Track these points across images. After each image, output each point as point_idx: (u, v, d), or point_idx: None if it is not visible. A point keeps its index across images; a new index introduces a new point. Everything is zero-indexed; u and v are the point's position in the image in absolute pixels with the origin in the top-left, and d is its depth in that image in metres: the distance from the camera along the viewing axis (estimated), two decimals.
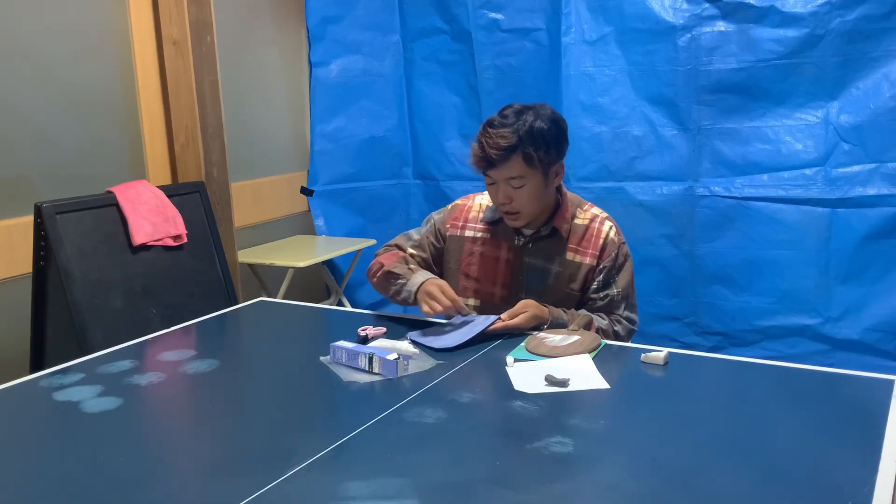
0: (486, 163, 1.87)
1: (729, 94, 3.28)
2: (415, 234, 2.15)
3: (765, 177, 3.29)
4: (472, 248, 2.05)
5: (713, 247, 3.39)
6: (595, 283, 1.98)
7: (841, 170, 3.18)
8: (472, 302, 2.04)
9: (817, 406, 1.44)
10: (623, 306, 1.99)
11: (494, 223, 2.04)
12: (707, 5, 3.24)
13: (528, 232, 2.00)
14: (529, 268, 2.00)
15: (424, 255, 2.11)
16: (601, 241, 1.98)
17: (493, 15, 3.61)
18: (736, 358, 1.71)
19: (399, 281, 1.98)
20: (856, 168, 3.16)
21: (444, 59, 3.80)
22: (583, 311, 1.96)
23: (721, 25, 3.24)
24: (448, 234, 2.10)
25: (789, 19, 3.14)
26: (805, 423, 1.36)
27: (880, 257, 3.17)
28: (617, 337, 1.95)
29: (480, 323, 1.82)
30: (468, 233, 2.07)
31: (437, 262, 2.12)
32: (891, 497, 1.09)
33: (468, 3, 3.62)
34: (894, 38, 3.03)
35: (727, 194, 3.34)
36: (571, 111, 3.47)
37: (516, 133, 1.85)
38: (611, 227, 2.01)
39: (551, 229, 1.98)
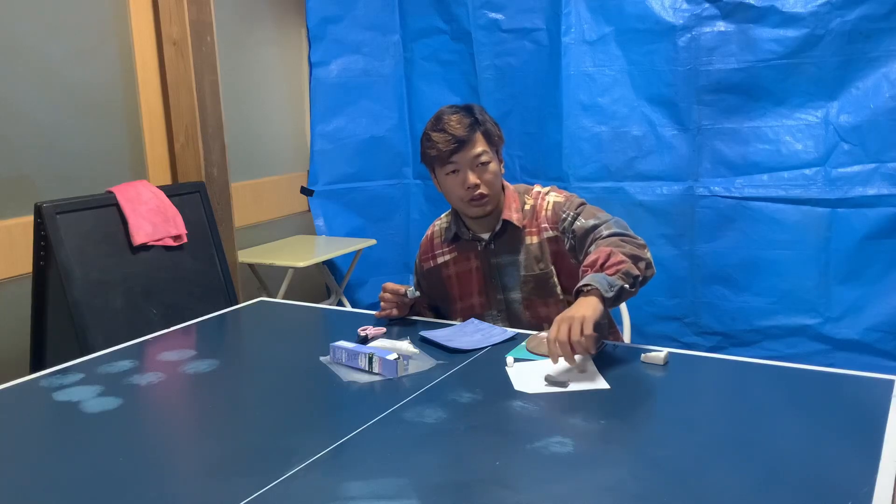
0: (456, 144, 1.89)
1: (729, 94, 3.28)
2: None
3: (765, 177, 3.29)
4: (447, 272, 2.08)
5: (713, 247, 3.39)
6: (567, 240, 1.94)
7: (841, 170, 3.18)
8: (458, 321, 2.04)
9: (817, 406, 1.44)
10: (604, 224, 1.86)
11: (454, 240, 2.07)
12: (707, 5, 3.24)
13: (485, 235, 2.02)
14: (498, 267, 2.02)
15: (425, 298, 2.14)
16: (546, 212, 1.99)
17: (493, 15, 3.61)
18: (736, 358, 1.71)
19: None
20: (856, 168, 3.16)
21: (444, 59, 3.81)
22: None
23: (721, 25, 3.24)
24: (425, 269, 2.13)
25: (789, 19, 3.14)
26: (805, 423, 1.36)
27: (880, 257, 3.17)
28: (632, 242, 1.77)
29: (497, 335, 1.83)
30: (439, 260, 2.10)
31: (432, 297, 2.17)
32: (891, 497, 1.09)
33: (468, 3, 3.63)
34: (894, 38, 3.03)
35: (727, 194, 3.34)
36: (571, 111, 3.47)
37: (470, 115, 1.92)
38: (554, 196, 2.00)
39: (503, 223, 1.99)
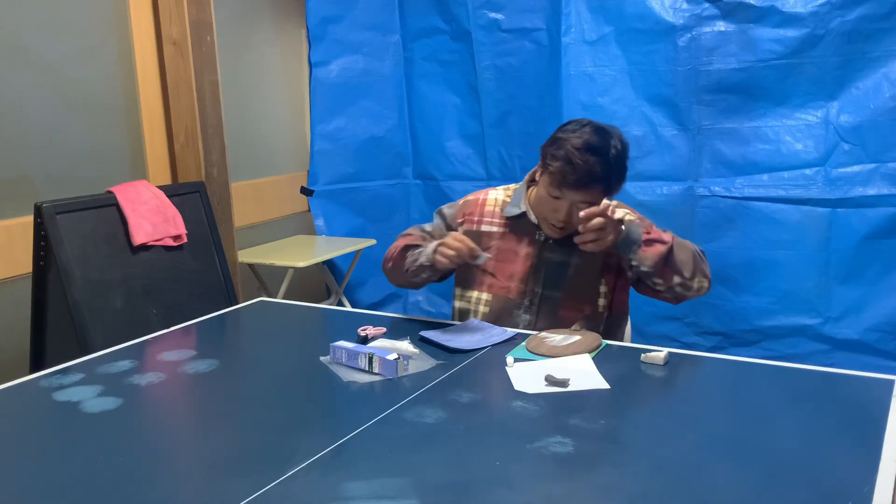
0: (573, 185, 1.84)
1: (729, 94, 3.28)
2: (428, 226, 2.13)
3: (765, 177, 3.29)
4: (488, 242, 2.03)
5: (713, 247, 3.38)
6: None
7: (841, 170, 3.18)
8: (484, 296, 2.03)
9: (817, 406, 1.44)
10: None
11: (513, 218, 2.03)
12: (707, 5, 3.24)
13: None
14: (549, 263, 1.99)
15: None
16: None
17: (493, 15, 3.61)
18: (736, 358, 1.71)
19: (416, 251, 1.96)
20: (856, 168, 3.16)
21: (444, 59, 3.80)
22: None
23: (721, 25, 3.24)
24: (463, 228, 2.07)
25: (789, 19, 3.14)
26: (805, 423, 1.36)
27: (880, 257, 3.17)
28: (702, 258, 1.91)
29: (497, 335, 1.83)
30: (484, 227, 2.05)
31: None
32: (891, 497, 1.09)
33: (468, 3, 3.63)
34: (894, 38, 3.03)
35: (727, 194, 3.34)
36: (571, 111, 3.46)
37: (607, 163, 1.83)
38: (628, 214, 2.00)
39: None
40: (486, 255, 1.87)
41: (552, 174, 1.86)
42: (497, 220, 2.05)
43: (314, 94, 3.88)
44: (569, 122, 1.92)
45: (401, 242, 2.07)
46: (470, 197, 2.13)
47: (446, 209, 2.14)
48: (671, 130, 3.38)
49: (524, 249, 2.01)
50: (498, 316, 1.99)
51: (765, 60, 3.20)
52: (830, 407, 1.44)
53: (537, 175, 1.97)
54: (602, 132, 1.87)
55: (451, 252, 1.84)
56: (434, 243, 1.91)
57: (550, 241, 1.99)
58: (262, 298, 2.35)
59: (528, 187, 2.05)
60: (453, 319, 2.10)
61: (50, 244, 2.33)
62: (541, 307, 1.99)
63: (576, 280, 1.97)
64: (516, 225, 2.03)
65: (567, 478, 1.18)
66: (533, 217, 2.00)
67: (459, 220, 2.09)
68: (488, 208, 2.08)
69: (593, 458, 1.24)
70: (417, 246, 1.99)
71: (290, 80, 3.90)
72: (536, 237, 2.00)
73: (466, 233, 2.06)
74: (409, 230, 2.15)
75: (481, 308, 2.02)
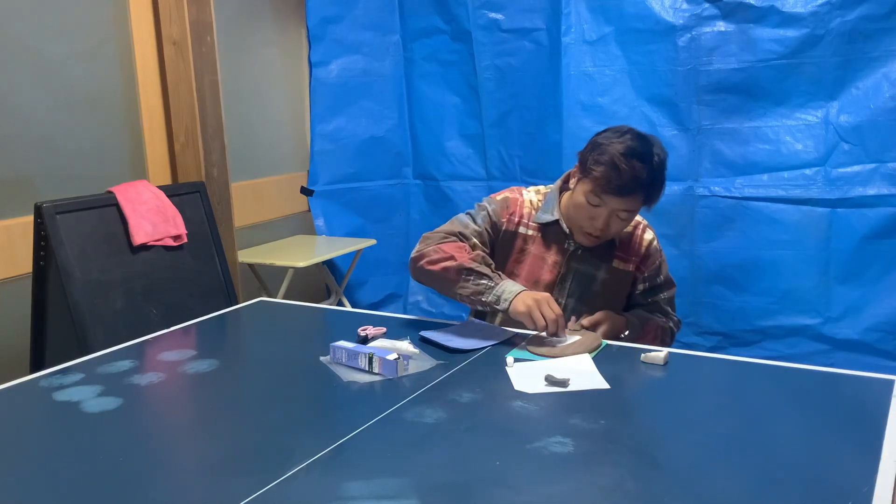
0: (616, 191, 1.81)
1: (729, 94, 3.28)
2: (471, 223, 2.00)
3: (765, 177, 3.29)
4: (522, 245, 2.01)
5: (713, 247, 3.39)
6: (640, 288, 2.01)
7: (841, 170, 3.18)
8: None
9: (817, 406, 1.44)
10: (670, 309, 2.05)
11: (545, 224, 2.00)
12: (707, 5, 3.24)
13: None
14: (576, 273, 1.98)
15: (486, 249, 2.00)
16: (643, 249, 2.00)
17: (493, 15, 3.61)
18: (736, 358, 1.71)
19: (483, 281, 1.83)
20: (856, 168, 3.16)
21: (444, 59, 3.81)
22: (639, 312, 2.01)
23: (721, 25, 3.24)
24: (502, 226, 2.02)
25: (789, 19, 3.14)
26: (805, 423, 1.36)
27: (880, 257, 3.18)
28: (671, 335, 1.99)
29: (497, 336, 1.82)
30: (521, 230, 2.02)
31: (491, 254, 2.02)
32: (891, 497, 1.09)
33: (468, 3, 3.63)
34: (894, 38, 3.03)
35: (727, 194, 3.34)
36: (571, 111, 3.47)
37: (651, 170, 1.82)
38: (653, 237, 2.02)
39: None
40: (569, 339, 1.76)
41: (596, 179, 1.83)
42: (532, 224, 2.02)
43: (314, 94, 3.88)
44: (606, 130, 1.90)
45: (455, 252, 1.89)
46: (508, 195, 2.06)
47: (489, 206, 2.03)
48: (671, 130, 3.38)
49: (552, 257, 1.99)
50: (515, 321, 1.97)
51: (765, 60, 3.20)
52: (830, 407, 1.44)
53: (571, 181, 1.94)
54: (644, 139, 1.86)
55: (541, 323, 1.73)
56: (513, 289, 1.80)
57: (579, 252, 1.97)
58: (262, 298, 2.35)
59: (561, 193, 2.02)
60: (470, 316, 2.10)
61: (50, 244, 2.33)
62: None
63: (602, 296, 1.96)
64: (547, 231, 2.00)
65: (567, 478, 1.18)
66: (565, 226, 1.97)
67: (504, 219, 2.03)
68: (525, 210, 2.03)
69: (593, 458, 1.24)
70: (480, 273, 1.84)
71: (290, 80, 3.90)
72: (566, 246, 1.98)
73: (505, 232, 2.02)
74: (454, 227, 1.99)
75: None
